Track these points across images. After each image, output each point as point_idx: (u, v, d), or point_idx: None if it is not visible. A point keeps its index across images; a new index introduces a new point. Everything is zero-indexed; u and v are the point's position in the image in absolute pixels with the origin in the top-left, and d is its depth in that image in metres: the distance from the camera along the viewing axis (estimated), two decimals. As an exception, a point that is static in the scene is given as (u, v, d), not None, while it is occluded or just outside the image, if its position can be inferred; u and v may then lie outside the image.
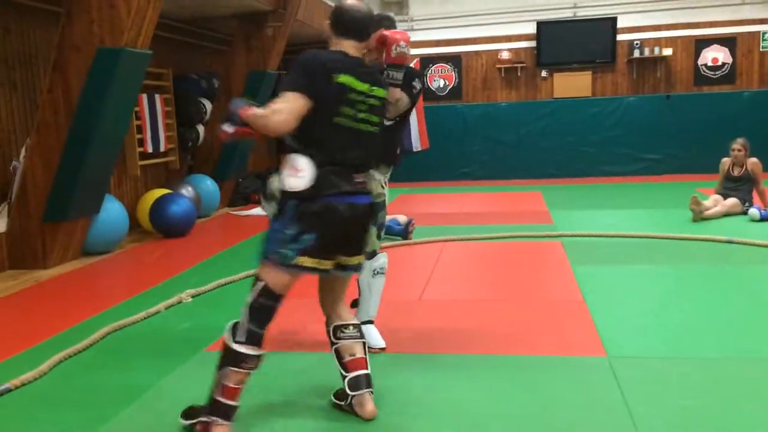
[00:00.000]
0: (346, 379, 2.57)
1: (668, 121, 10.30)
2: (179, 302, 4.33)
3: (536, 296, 4.30)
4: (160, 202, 6.74)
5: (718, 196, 6.81)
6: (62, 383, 3.09)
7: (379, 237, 3.31)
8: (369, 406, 2.54)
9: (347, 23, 2.54)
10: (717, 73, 10.56)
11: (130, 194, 7.31)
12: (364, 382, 2.56)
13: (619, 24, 10.55)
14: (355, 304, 3.44)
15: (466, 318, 3.83)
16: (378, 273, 3.36)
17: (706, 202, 6.67)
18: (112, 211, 6.11)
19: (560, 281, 4.58)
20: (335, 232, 2.41)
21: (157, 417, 2.70)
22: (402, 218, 6.49)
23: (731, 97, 10.26)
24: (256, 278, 2.44)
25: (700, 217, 6.47)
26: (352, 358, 2.60)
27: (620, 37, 10.64)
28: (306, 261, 2.38)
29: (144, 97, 7.17)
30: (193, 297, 4.44)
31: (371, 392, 2.57)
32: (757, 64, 10.45)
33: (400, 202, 8.77)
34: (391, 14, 3.30)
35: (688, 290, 4.23)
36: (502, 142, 10.95)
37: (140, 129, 7.22)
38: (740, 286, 4.26)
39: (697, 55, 10.58)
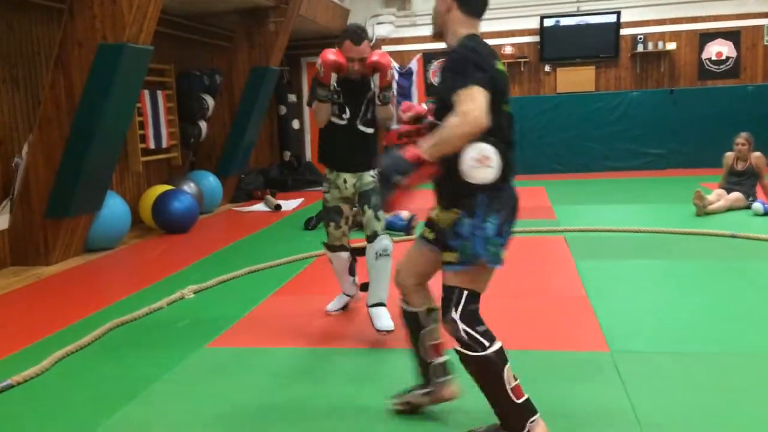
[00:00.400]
0: (432, 365, 2.53)
1: (672, 115, 10.26)
2: (181, 298, 4.33)
3: (539, 291, 4.28)
4: (162, 199, 6.74)
5: (722, 191, 6.78)
6: (64, 379, 3.09)
7: (377, 218, 3.47)
8: (451, 389, 2.55)
9: (480, 1, 2.36)
10: (721, 67, 10.51)
11: (132, 190, 7.31)
12: (446, 367, 2.56)
13: (623, 18, 10.50)
14: (364, 288, 3.62)
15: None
16: (381, 255, 3.44)
17: (710, 197, 6.64)
18: (115, 207, 6.11)
19: (563, 276, 4.56)
20: (515, 220, 2.33)
21: (160, 412, 2.70)
22: (404, 213, 6.47)
23: (735, 91, 10.19)
24: (452, 288, 2.25)
25: (703, 211, 6.44)
26: (437, 342, 2.54)
27: (624, 32, 10.58)
28: (503, 255, 2.27)
29: (146, 93, 7.17)
30: (195, 293, 4.44)
31: None
32: (761, 57, 10.39)
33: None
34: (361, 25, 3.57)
35: (692, 285, 4.21)
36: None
37: (142, 125, 7.21)
38: (744, 281, 4.24)
39: (701, 49, 10.53)
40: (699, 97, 10.26)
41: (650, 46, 10.49)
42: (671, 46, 10.47)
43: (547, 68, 10.97)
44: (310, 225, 6.69)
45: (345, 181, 3.51)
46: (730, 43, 10.44)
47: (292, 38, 9.31)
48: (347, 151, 3.49)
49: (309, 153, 11.88)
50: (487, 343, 2.24)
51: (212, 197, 8.03)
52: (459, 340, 2.24)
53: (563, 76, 10.90)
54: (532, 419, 2.24)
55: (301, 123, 11.59)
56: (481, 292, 2.29)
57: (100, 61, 5.22)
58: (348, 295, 3.88)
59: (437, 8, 2.42)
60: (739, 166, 6.78)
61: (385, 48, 11.32)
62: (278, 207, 8.20)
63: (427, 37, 11.20)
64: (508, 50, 10.87)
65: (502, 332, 3.41)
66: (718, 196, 6.69)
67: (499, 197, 2.24)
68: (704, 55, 10.53)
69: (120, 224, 6.18)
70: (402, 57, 11.31)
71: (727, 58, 10.47)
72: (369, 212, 3.47)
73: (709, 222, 6.11)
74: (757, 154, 6.71)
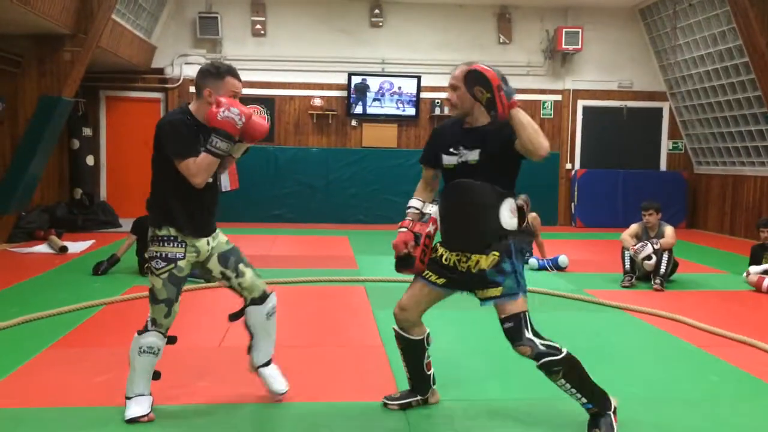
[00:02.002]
0: (430, 376, 3.12)
1: (464, 175, 11.14)
2: (-65, 353, 3.75)
3: (338, 341, 4.35)
4: None
5: (505, 246, 7.45)
6: None
7: (258, 276, 3.21)
8: (437, 395, 3.21)
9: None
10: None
11: None
12: (434, 378, 3.16)
13: (423, 83, 11.31)
14: (249, 350, 3.24)
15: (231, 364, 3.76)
16: (272, 314, 3.22)
17: (495, 252, 7.26)
18: None
19: (361, 325, 4.69)
20: None
21: None
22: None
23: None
24: (516, 315, 2.72)
25: (489, 265, 7.02)
26: (429, 359, 3.11)
27: (423, 95, 11.40)
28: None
29: None
30: (-47, 346, 3.88)
31: None
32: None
33: (206, 243, 8.47)
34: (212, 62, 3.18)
35: (479, 334, 4.54)
36: (312, 186, 11.11)
37: None
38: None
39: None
40: (487, 160, 11.26)
41: (446, 111, 11.38)
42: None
43: (353, 122, 11.42)
44: (100, 269, 6.20)
45: (208, 243, 3.02)
46: (513, 113, 11.66)
47: (90, 69, 8.75)
48: (211, 213, 3.04)
49: (104, 191, 11.10)
50: (559, 346, 2.72)
51: (-16, 236, 7.15)
52: (540, 354, 2.69)
53: (369, 132, 11.42)
54: (609, 396, 2.79)
55: (97, 159, 10.83)
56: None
57: None
58: (150, 396, 3.04)
59: (465, 95, 2.81)
60: (519, 225, 7.53)
61: (194, 89, 11.05)
62: (64, 249, 7.52)
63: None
64: (317, 102, 11.17)
65: (299, 383, 3.42)
66: (501, 251, 7.34)
67: (522, 240, 2.88)
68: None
69: None
70: (211, 99, 11.09)
71: (511, 126, 11.67)
72: (249, 271, 3.13)
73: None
74: (534, 214, 7.51)
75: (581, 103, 11.75)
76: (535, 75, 11.60)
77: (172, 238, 2.91)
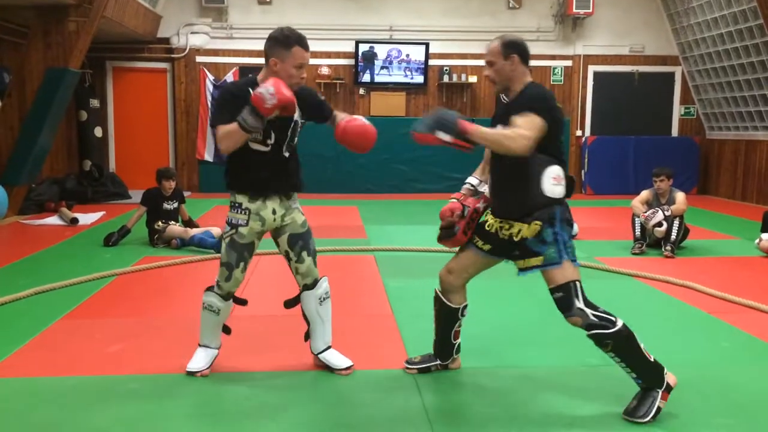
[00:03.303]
0: (455, 345, 3.17)
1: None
2: (-50, 324, 3.80)
3: (348, 310, 4.36)
4: (-69, 209, 5.91)
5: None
6: None
7: (315, 264, 3.20)
8: (458, 362, 3.26)
9: (528, 53, 2.88)
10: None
11: None
12: (459, 347, 3.22)
13: (431, 50, 11.18)
14: (306, 337, 3.25)
15: (277, 334, 3.79)
16: (325, 299, 3.22)
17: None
18: None
19: (371, 295, 4.70)
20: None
21: None
22: (216, 230, 6.29)
23: (527, 124, 11.27)
24: (566, 284, 2.72)
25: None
26: (459, 329, 3.16)
27: (432, 62, 11.26)
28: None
29: None
30: (-32, 318, 3.93)
31: None
32: (548, 95, 11.61)
33: (215, 214, 8.50)
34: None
35: (490, 303, 4.54)
36: (321, 156, 11.07)
37: None
38: (531, 299, 4.66)
39: (499, 83, 11.50)
40: (496, 128, 11.19)
41: (455, 78, 11.26)
42: (473, 79, 11.33)
43: (361, 91, 11.32)
44: (111, 241, 6.24)
45: (274, 212, 3.04)
46: (523, 80, 11.52)
47: (96, 40, 8.69)
48: (279, 179, 3.05)
49: (113, 162, 11.12)
50: (614, 319, 2.68)
51: (-5, 208, 7.20)
52: (591, 325, 2.66)
53: (377, 100, 11.32)
54: (665, 371, 2.74)
55: (105, 130, 10.82)
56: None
57: None
58: (216, 349, 3.24)
59: (502, 68, 2.82)
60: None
61: (200, 59, 11.00)
62: (75, 220, 7.56)
63: (243, 51, 11.09)
64: (325, 71, 11.07)
65: (309, 352, 3.44)
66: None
67: (567, 209, 2.79)
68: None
69: None
70: (217, 69, 11.04)
71: (520, 93, 11.55)
72: (309, 260, 3.14)
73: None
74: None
75: (592, 69, 11.58)
76: (545, 40, 11.42)
77: (237, 204, 3.00)
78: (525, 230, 2.77)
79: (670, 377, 2.75)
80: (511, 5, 11.34)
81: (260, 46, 11.28)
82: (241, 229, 2.99)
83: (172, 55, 10.99)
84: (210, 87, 10.96)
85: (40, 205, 8.40)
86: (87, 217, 7.86)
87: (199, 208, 8.62)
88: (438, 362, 3.20)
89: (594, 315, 2.68)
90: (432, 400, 2.89)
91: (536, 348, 3.61)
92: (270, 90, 2.70)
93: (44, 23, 7.75)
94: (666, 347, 3.62)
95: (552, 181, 2.73)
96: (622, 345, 2.67)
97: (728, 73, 10.40)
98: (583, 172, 11.49)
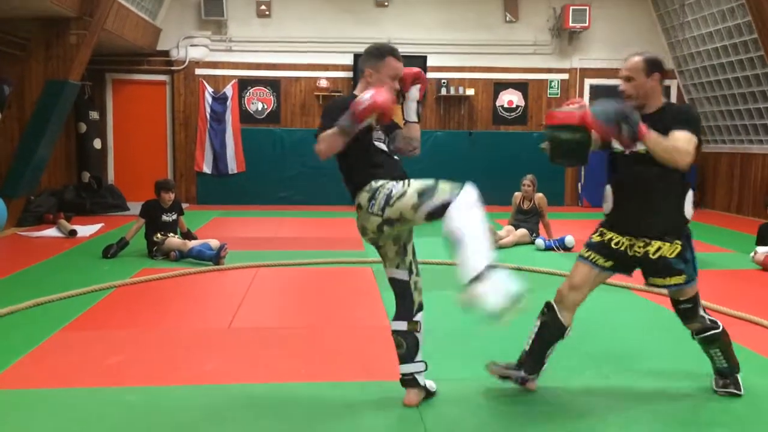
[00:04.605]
0: (544, 366, 3.15)
1: (470, 155, 11.15)
2: (-51, 336, 3.82)
3: (346, 322, 4.39)
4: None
5: (510, 227, 7.47)
6: None
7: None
8: (536, 383, 3.21)
9: (664, 69, 2.97)
10: (512, 114, 11.64)
11: None
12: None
13: (429, 63, 11.25)
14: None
15: (276, 346, 3.81)
16: (473, 206, 2.70)
17: (501, 232, 7.29)
18: None
19: (368, 307, 4.72)
20: None
21: None
22: (214, 243, 6.32)
23: (523, 136, 11.38)
24: (692, 298, 2.99)
25: (494, 245, 7.03)
26: (553, 352, 3.16)
27: (430, 75, 11.34)
28: None
29: None
30: (-33, 330, 3.94)
31: None
32: (545, 107, 11.69)
33: (214, 226, 8.52)
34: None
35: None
36: (319, 168, 11.11)
37: None
38: (528, 311, 4.67)
39: (496, 96, 11.59)
40: (493, 140, 11.28)
41: (452, 91, 11.33)
42: (470, 92, 11.40)
43: (359, 104, 11.37)
44: (109, 253, 6.25)
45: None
46: (520, 93, 11.62)
47: (96, 52, 8.75)
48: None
49: (111, 174, 11.15)
50: (717, 321, 3.05)
51: (-6, 220, 7.21)
52: (706, 328, 3.01)
53: (374, 113, 11.36)
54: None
55: (104, 142, 10.87)
56: None
57: None
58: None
59: (642, 84, 2.89)
60: (525, 205, 7.53)
61: (199, 71, 11.06)
62: (73, 232, 7.58)
63: (243, 63, 11.16)
64: (323, 83, 11.13)
65: (309, 365, 3.46)
66: (507, 232, 7.36)
67: (689, 229, 2.98)
68: (498, 102, 11.60)
69: None
70: (216, 81, 11.10)
71: (517, 106, 11.64)
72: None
73: (499, 255, 6.68)
74: (540, 195, 7.50)
75: (588, 82, 11.67)
76: (542, 54, 11.52)
77: (382, 185, 2.92)
78: (666, 249, 2.91)
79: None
80: (508, 19, 11.44)
81: (259, 58, 11.40)
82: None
83: (172, 68, 11.05)
84: (209, 99, 11.01)
85: (38, 217, 8.42)
86: (85, 229, 7.87)
87: (198, 220, 8.64)
88: (522, 374, 3.10)
89: (709, 320, 3.04)
90: (429, 413, 2.91)
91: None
92: (367, 95, 2.75)
93: (45, 36, 7.80)
94: (664, 359, 3.65)
95: (690, 203, 2.94)
96: (724, 342, 3.06)
97: (723, 86, 10.49)
98: (579, 185, 11.55)
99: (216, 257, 5.99)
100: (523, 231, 7.35)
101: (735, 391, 3.10)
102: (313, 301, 4.94)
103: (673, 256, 2.88)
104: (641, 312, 4.74)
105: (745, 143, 10.54)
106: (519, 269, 5.96)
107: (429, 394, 3.03)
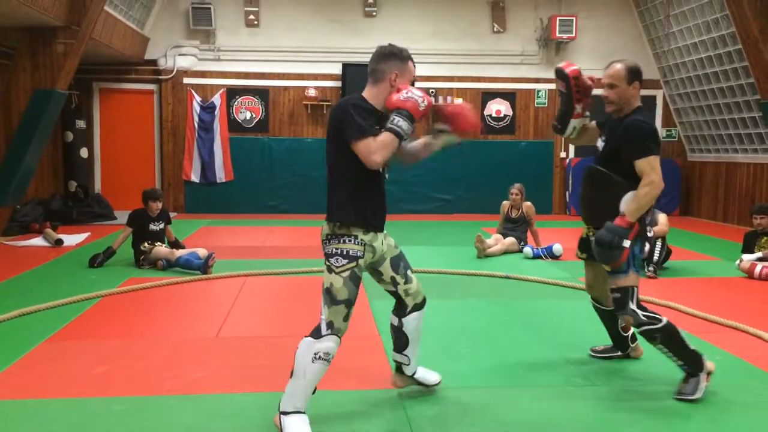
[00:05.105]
0: (628, 337, 3.65)
1: (459, 164, 11.19)
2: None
3: (334, 331, 4.37)
4: None
5: (499, 236, 7.50)
6: None
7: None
8: (640, 350, 3.73)
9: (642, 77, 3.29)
10: (500, 123, 11.70)
11: None
12: (635, 336, 3.66)
13: (417, 72, 11.27)
14: (398, 369, 3.19)
15: (264, 356, 3.79)
16: (421, 319, 3.16)
17: (489, 241, 7.31)
18: None
19: (358, 316, 4.67)
20: None
21: None
22: (202, 252, 6.29)
23: (511, 145, 11.45)
24: (624, 288, 3.12)
25: (483, 254, 7.06)
26: (625, 324, 3.52)
27: (418, 84, 11.36)
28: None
29: None
30: (-49, 340, 3.89)
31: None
32: (532, 117, 11.77)
33: (202, 235, 8.49)
34: None
35: (473, 323, 4.58)
36: (307, 177, 11.12)
37: None
38: (516, 319, 4.70)
39: (484, 105, 11.66)
40: (482, 150, 11.33)
41: (441, 100, 11.38)
42: (459, 101, 11.45)
43: (348, 113, 11.38)
44: (96, 262, 6.21)
45: (381, 242, 2.92)
46: (508, 102, 11.69)
47: (84, 61, 8.72)
48: (383, 205, 2.96)
49: (98, 183, 11.09)
50: (660, 317, 3.12)
51: (-21, 230, 7.14)
52: (641, 323, 3.11)
53: (363, 122, 11.39)
54: (704, 358, 3.17)
55: (91, 151, 10.81)
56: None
57: None
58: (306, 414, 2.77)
59: (624, 92, 3.22)
60: (513, 214, 7.56)
61: (187, 81, 11.05)
62: (59, 242, 7.52)
63: (231, 73, 11.16)
64: (312, 93, 11.15)
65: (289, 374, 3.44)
66: (495, 240, 7.38)
67: (641, 227, 3.17)
68: (486, 112, 11.66)
69: None
70: (205, 91, 11.09)
71: (505, 115, 11.70)
72: (414, 277, 3.06)
73: (487, 264, 6.72)
74: (528, 203, 7.54)
75: (575, 92, 11.75)
76: (529, 64, 11.61)
77: (352, 237, 2.76)
78: None
79: (708, 363, 3.18)
80: (496, 29, 11.53)
81: (248, 68, 11.39)
82: (360, 261, 2.76)
83: (160, 77, 11.03)
84: (197, 108, 10.99)
85: (24, 227, 8.35)
86: (72, 239, 7.82)
87: (186, 229, 8.61)
88: (618, 353, 3.70)
89: (643, 315, 3.11)
90: (418, 421, 2.91)
91: (523, 369, 3.63)
92: (419, 93, 2.71)
93: (32, 44, 7.77)
94: (649, 366, 3.67)
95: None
96: (668, 338, 3.11)
97: (708, 96, 10.61)
98: (567, 193, 11.61)
99: (204, 266, 5.96)
100: (511, 239, 7.37)
101: (687, 397, 3.12)
102: (301, 310, 4.92)
103: None
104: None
105: (730, 152, 10.65)
106: (507, 278, 5.98)
107: (423, 385, 3.22)
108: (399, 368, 3.19)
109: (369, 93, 2.83)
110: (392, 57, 2.82)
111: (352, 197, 2.77)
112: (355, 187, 2.78)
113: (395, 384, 3.22)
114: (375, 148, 2.64)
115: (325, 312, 2.75)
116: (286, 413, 2.69)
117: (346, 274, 2.73)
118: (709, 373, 3.18)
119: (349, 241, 2.75)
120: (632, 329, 3.61)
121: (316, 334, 2.74)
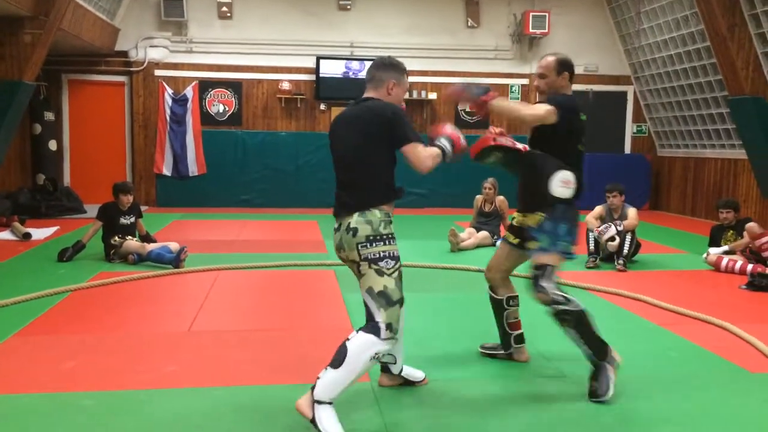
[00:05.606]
0: (512, 336, 3.54)
1: (433, 158, 11.21)
2: None
3: (308, 324, 4.38)
4: None
5: (472, 229, 7.55)
6: None
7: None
8: (525, 355, 3.60)
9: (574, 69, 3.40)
10: (473, 118, 11.71)
11: None
12: (522, 338, 3.57)
13: (392, 66, 11.28)
14: (384, 368, 3.21)
15: (236, 349, 3.78)
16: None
17: (462, 234, 7.35)
18: None
19: (331, 309, 4.72)
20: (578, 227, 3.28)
21: None
22: (174, 245, 6.24)
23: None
24: (542, 265, 3.11)
25: (457, 247, 7.11)
26: (516, 320, 3.54)
27: (392, 79, 11.37)
28: (572, 249, 3.21)
29: None
30: None
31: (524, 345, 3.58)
32: (506, 112, 11.83)
33: (173, 228, 8.41)
34: None
35: (446, 316, 4.61)
36: (281, 171, 11.07)
37: None
38: (489, 312, 4.73)
39: (458, 100, 11.68)
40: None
41: (415, 95, 11.40)
42: (432, 95, 11.49)
43: (322, 106, 11.37)
44: (65, 256, 6.12)
45: None
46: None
47: (52, 52, 8.56)
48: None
49: (68, 177, 10.91)
50: (573, 299, 3.06)
51: (-57, 223, 6.99)
52: (553, 301, 3.04)
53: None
54: (610, 348, 3.15)
55: (60, 144, 10.63)
56: (559, 269, 3.15)
57: None
58: None
59: (553, 82, 3.35)
60: (487, 208, 7.62)
61: (159, 72, 10.91)
62: (27, 235, 7.39)
63: (203, 65, 11.05)
64: (286, 86, 11.09)
65: (270, 367, 3.45)
66: (469, 234, 7.44)
67: (571, 209, 3.23)
68: (460, 107, 11.69)
69: None
70: (176, 83, 10.96)
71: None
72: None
73: (461, 257, 6.76)
74: (501, 198, 7.60)
75: (548, 87, 11.86)
76: (502, 59, 11.68)
77: (393, 235, 2.92)
78: (530, 219, 3.28)
79: (615, 354, 3.17)
80: (469, 24, 11.57)
81: (220, 60, 11.31)
82: (396, 252, 2.90)
83: (131, 69, 10.88)
84: (169, 101, 10.86)
85: (-9, 220, 8.19)
86: (40, 232, 7.69)
87: (157, 223, 8.52)
88: (502, 351, 3.62)
89: (556, 294, 3.06)
90: (391, 415, 2.92)
91: (496, 361, 3.67)
92: (457, 133, 3.08)
93: (-3, 35, 7.61)
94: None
95: (560, 183, 3.19)
96: (578, 323, 3.06)
97: (678, 92, 10.78)
98: (540, 187, 11.71)
99: (176, 260, 5.91)
100: (484, 233, 7.43)
101: (601, 399, 3.03)
102: (274, 303, 4.91)
103: (534, 224, 3.24)
104: (601, 314, 4.83)
105: (698, 148, 10.85)
106: (480, 271, 6.02)
107: (410, 382, 3.24)
108: (385, 368, 3.20)
109: (373, 94, 3.03)
110: (391, 68, 3.01)
111: (386, 185, 3.05)
112: (388, 178, 3.05)
113: (382, 383, 3.22)
114: (424, 157, 2.92)
115: (383, 315, 2.78)
116: (321, 402, 2.67)
117: (396, 274, 2.84)
118: (615, 366, 3.15)
119: (393, 242, 2.90)
120: (521, 329, 3.55)
121: (377, 332, 2.76)
